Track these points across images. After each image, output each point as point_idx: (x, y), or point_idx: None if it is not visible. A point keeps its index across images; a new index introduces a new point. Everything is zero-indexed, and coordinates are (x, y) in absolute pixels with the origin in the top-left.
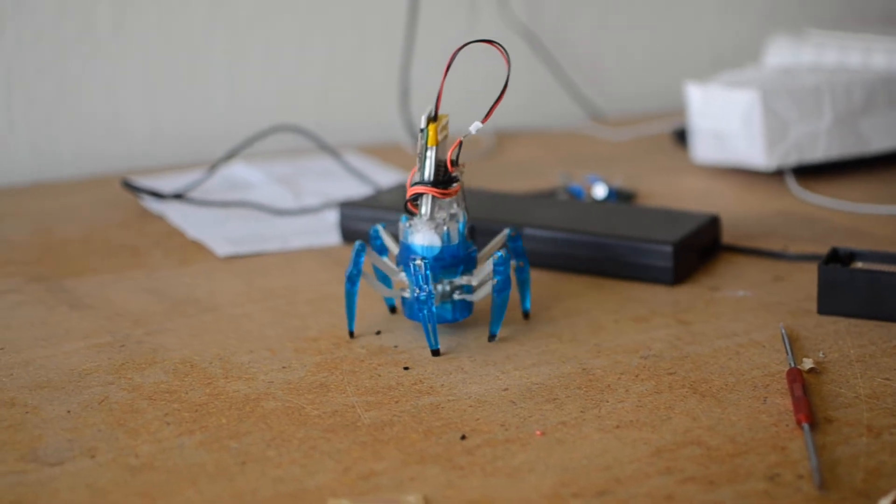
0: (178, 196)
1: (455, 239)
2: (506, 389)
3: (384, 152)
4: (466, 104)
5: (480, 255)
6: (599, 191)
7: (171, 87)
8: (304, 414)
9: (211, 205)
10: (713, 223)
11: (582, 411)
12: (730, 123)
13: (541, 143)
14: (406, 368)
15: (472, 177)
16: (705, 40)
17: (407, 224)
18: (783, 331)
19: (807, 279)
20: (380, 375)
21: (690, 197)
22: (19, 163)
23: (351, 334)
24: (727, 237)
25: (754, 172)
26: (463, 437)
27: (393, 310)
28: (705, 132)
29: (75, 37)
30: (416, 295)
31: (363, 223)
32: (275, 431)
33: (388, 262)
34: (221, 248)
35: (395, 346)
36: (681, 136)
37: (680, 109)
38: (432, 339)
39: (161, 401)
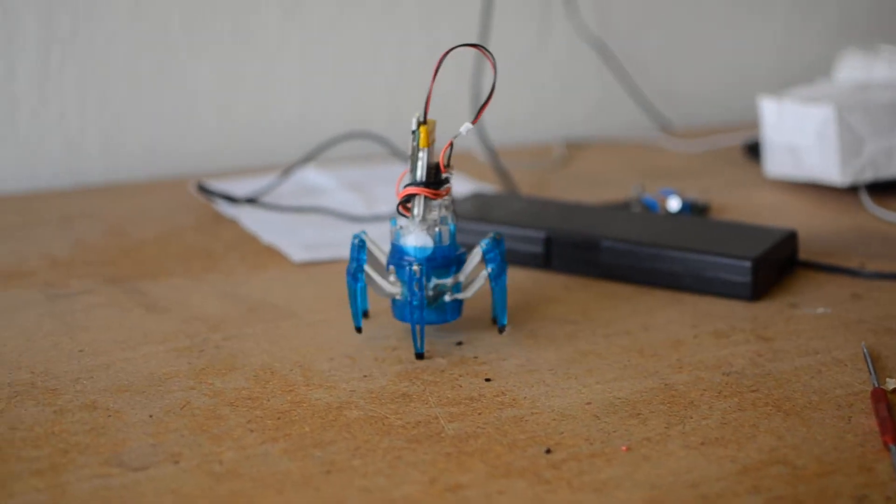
0: (252, 200)
1: (446, 240)
2: (589, 403)
3: (453, 159)
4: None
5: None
6: (673, 204)
7: (243, 91)
8: (387, 424)
9: (284, 210)
10: (791, 238)
11: (666, 427)
12: (804, 138)
13: (610, 153)
14: (487, 380)
15: (543, 187)
16: (774, 54)
17: (398, 226)
18: (865, 350)
19: (886, 297)
20: (461, 386)
21: (764, 211)
22: (90, 163)
23: (358, 330)
24: (802, 253)
25: (828, 188)
26: (548, 451)
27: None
28: (779, 146)
29: (148, 38)
30: (409, 299)
31: None
32: (359, 441)
33: (382, 262)
34: (297, 254)
35: (476, 357)
36: (752, 150)
37: (749, 122)
38: (419, 342)
39: (243, 407)
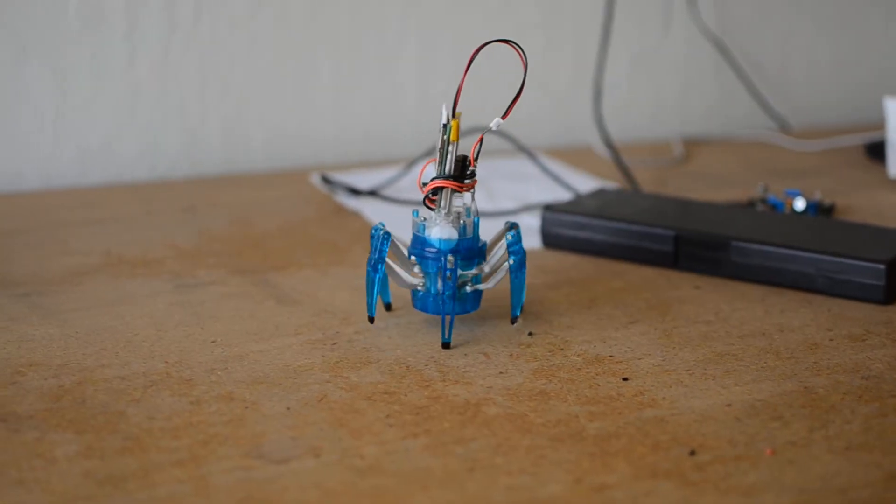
0: (373, 193)
1: (470, 232)
2: (729, 405)
3: (572, 155)
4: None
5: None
6: (799, 204)
7: (361, 83)
8: (527, 421)
9: (407, 203)
10: None
11: (809, 431)
12: None
13: (728, 151)
14: (625, 379)
15: (663, 184)
16: (894, 53)
17: (421, 217)
18: None
19: None
20: (599, 385)
21: (890, 213)
22: (210, 152)
23: (371, 320)
24: None
25: None
26: (692, 453)
27: (389, 307)
28: None
29: (269, 28)
30: (439, 290)
31: (565, 228)
32: (500, 438)
33: (405, 254)
34: None
35: (611, 356)
36: (874, 150)
37: (868, 123)
38: (447, 332)
39: (381, 402)
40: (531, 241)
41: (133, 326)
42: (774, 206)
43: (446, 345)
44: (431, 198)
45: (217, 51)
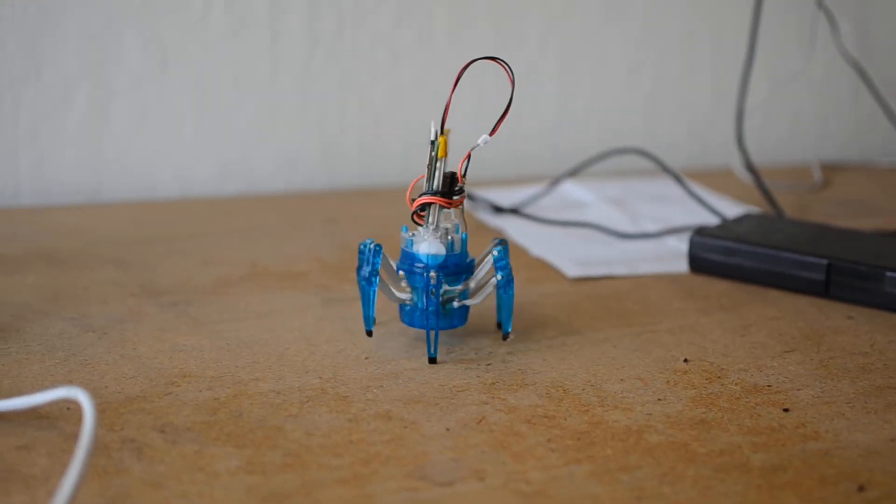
0: (516, 211)
1: (458, 248)
2: (893, 440)
3: (709, 177)
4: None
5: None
6: None
7: (497, 102)
8: (690, 450)
9: (551, 223)
10: None
11: None
12: None
13: (869, 178)
14: (786, 410)
15: (805, 210)
16: None
17: (410, 233)
18: None
19: None
20: (759, 415)
21: None
22: (348, 166)
23: (369, 334)
24: None
25: None
26: (861, 489)
27: (370, 333)
28: None
29: (410, 43)
30: (423, 305)
31: (714, 253)
32: (664, 467)
33: (394, 268)
34: (570, 270)
35: (769, 386)
36: None
37: None
38: (433, 347)
39: (541, 426)
40: (677, 265)
41: (284, 340)
42: None
43: (433, 360)
44: (420, 213)
45: (358, 65)
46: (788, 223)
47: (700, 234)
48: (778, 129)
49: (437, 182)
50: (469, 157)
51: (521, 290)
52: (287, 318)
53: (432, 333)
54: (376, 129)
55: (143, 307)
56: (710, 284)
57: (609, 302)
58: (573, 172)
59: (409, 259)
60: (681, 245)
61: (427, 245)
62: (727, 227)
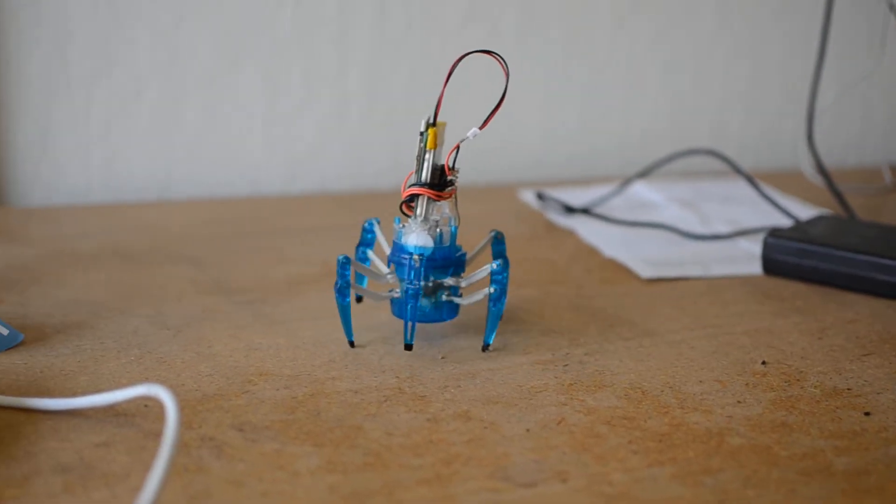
0: (587, 211)
1: (447, 241)
2: None
3: (777, 178)
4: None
5: (469, 257)
6: None
7: (568, 100)
8: (772, 454)
9: (622, 223)
10: None
11: None
12: None
13: None
14: (867, 414)
15: (876, 212)
16: None
17: (400, 225)
18: None
19: None
20: (840, 419)
21: None
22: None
23: (351, 344)
24: None
25: None
26: None
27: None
28: None
29: (479, 41)
30: (405, 289)
31: (789, 255)
32: (748, 470)
33: (373, 267)
34: (644, 271)
35: (849, 389)
36: None
37: None
38: (409, 334)
39: (621, 427)
40: (750, 266)
41: (360, 339)
42: None
43: (408, 346)
44: (409, 205)
45: (426, 63)
46: (862, 225)
47: (774, 236)
48: (847, 131)
49: (426, 174)
50: (458, 148)
51: (595, 291)
52: (361, 317)
53: (410, 324)
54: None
55: (218, 305)
56: (784, 286)
57: (684, 303)
58: (644, 173)
59: (398, 250)
60: (752, 247)
61: (415, 237)
62: (801, 229)
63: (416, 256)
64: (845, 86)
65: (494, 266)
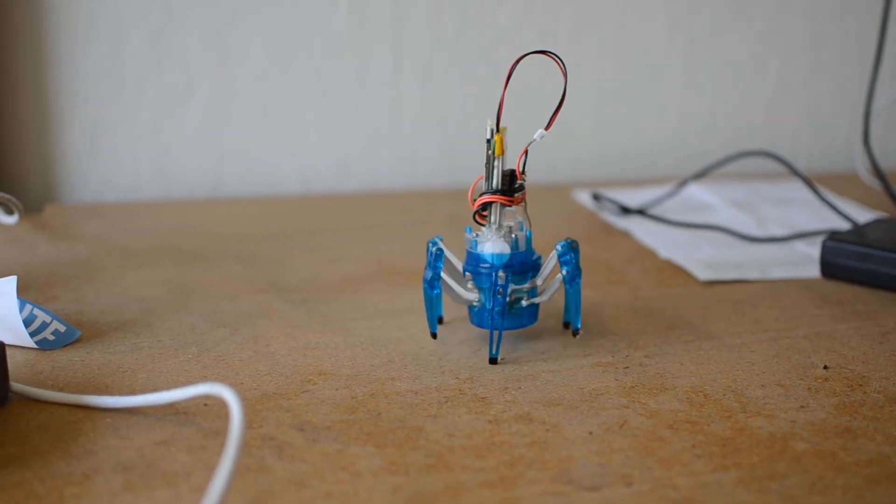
0: (642, 212)
1: (523, 246)
2: None
3: (833, 180)
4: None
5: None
6: None
7: (622, 99)
8: (838, 459)
9: (679, 225)
10: None
11: None
12: None
13: None
14: None
15: None
16: None
17: (474, 234)
18: None
19: None
20: None
21: None
22: (467, 164)
23: (434, 336)
24: None
25: None
26: None
27: (434, 336)
28: None
29: (533, 43)
30: (490, 305)
31: (848, 259)
32: (813, 476)
33: (458, 269)
34: (702, 273)
35: None
36: None
37: None
38: (494, 348)
39: (684, 431)
40: (808, 269)
41: (418, 340)
42: None
43: (493, 360)
44: (482, 213)
45: (480, 65)
46: None
47: (833, 239)
48: None
49: (497, 180)
50: (526, 152)
51: (653, 293)
52: (419, 316)
53: (496, 333)
54: None
55: (273, 303)
56: (843, 290)
57: (743, 306)
58: (700, 175)
59: (474, 260)
60: (810, 249)
61: (491, 245)
62: (860, 233)
63: (501, 273)
64: None
65: (558, 248)
